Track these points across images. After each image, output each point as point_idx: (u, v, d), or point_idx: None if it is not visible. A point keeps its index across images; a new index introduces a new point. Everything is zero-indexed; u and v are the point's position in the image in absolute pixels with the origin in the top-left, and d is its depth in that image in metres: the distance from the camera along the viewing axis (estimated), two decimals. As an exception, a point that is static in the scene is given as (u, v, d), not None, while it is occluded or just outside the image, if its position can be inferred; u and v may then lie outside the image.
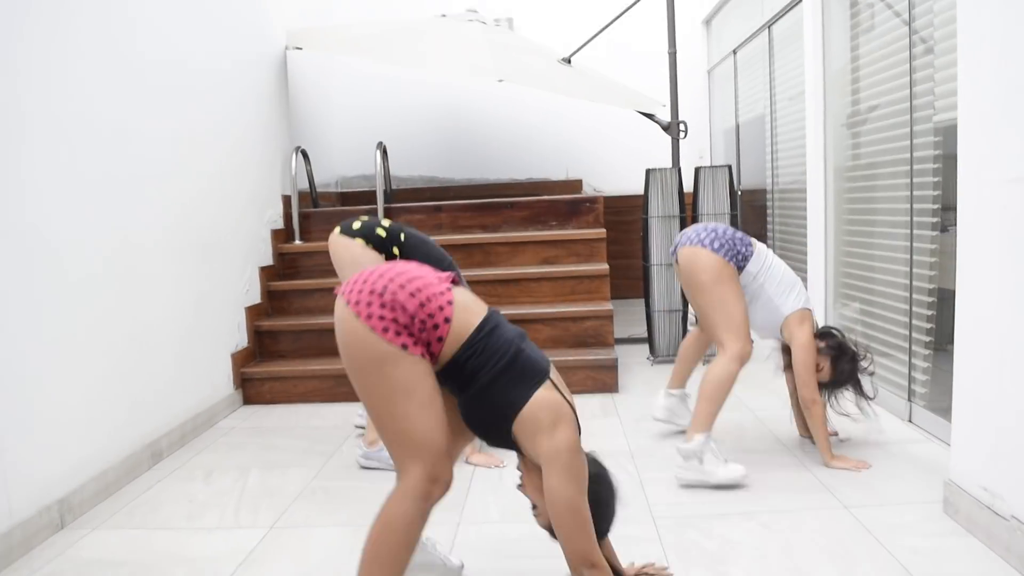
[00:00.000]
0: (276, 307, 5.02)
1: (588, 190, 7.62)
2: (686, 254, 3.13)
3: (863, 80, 4.13)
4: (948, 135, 3.23)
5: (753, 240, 3.22)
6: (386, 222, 3.25)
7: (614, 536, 2.05)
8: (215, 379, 4.27)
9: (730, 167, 4.98)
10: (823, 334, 3.17)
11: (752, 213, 6.41)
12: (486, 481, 3.11)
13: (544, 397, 1.79)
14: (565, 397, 1.83)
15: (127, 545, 2.66)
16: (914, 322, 3.52)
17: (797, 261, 5.01)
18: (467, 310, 1.83)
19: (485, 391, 1.80)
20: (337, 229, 3.20)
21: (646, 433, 3.63)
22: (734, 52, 6.65)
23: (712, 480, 2.92)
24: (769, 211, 5.98)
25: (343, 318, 1.79)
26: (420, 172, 7.72)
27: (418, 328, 1.76)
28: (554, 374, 1.86)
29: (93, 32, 3.23)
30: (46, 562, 2.56)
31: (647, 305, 5.05)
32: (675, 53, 5.37)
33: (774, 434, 3.52)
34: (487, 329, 1.82)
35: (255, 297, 4.89)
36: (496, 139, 7.65)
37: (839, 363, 3.11)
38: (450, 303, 1.79)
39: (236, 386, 4.51)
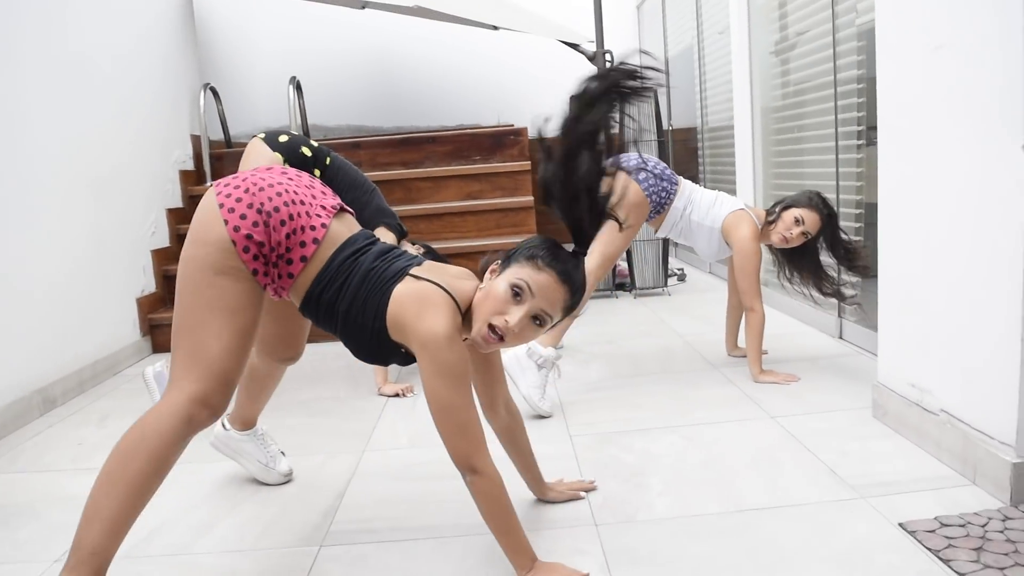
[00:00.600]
0: (187, 252, 4.73)
1: (532, 136, 7.38)
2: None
3: (790, 6, 3.98)
4: (870, 42, 3.10)
5: (679, 177, 3.13)
6: (314, 143, 3.02)
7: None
8: (118, 325, 3.98)
9: (655, 91, 4.80)
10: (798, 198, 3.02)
11: (684, 152, 6.28)
12: (398, 410, 2.92)
13: (403, 289, 1.58)
14: (438, 284, 1.60)
15: (3, 488, 2.41)
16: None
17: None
18: (332, 245, 1.62)
19: (349, 317, 1.61)
20: (261, 135, 2.96)
21: (568, 360, 3.46)
22: (661, -17, 6.46)
23: (530, 398, 2.70)
24: (700, 149, 5.85)
25: (206, 209, 1.57)
26: (347, 121, 7.38)
27: (275, 257, 1.57)
28: (425, 267, 1.65)
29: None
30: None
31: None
32: (598, -22, 5.15)
33: (702, 355, 3.40)
34: (338, 259, 1.61)
35: (163, 240, 4.59)
36: (427, 85, 7.31)
37: (825, 222, 2.95)
38: (316, 241, 1.59)
39: (144, 333, 4.22)
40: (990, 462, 1.92)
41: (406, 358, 1.65)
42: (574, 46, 5.27)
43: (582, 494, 2.05)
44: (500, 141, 5.21)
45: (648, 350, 3.54)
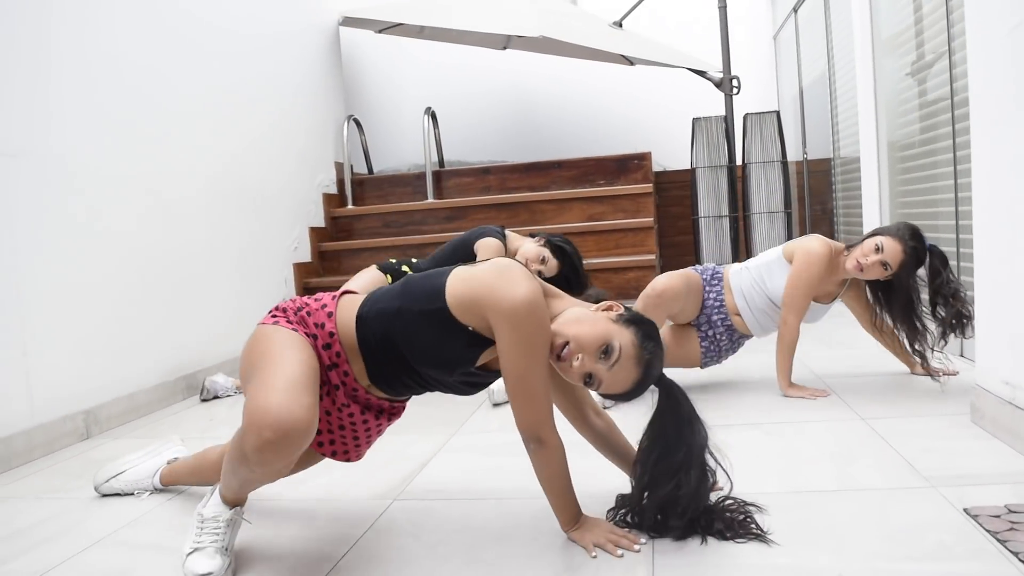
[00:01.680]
0: (327, 267, 5.10)
1: (656, 168, 7.45)
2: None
3: (926, 23, 3.86)
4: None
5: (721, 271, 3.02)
6: (414, 260, 3.35)
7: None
8: (259, 328, 4.34)
9: (778, 113, 4.79)
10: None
11: (820, 184, 6.12)
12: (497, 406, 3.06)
13: (467, 270, 1.60)
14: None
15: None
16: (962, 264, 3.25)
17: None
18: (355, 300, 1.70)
19: (403, 314, 1.60)
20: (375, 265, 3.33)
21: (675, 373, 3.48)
22: (795, 10, 6.40)
23: None
24: (833, 181, 5.70)
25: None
26: (481, 156, 7.70)
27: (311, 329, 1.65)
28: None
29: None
30: (64, 460, 2.64)
31: (696, 258, 4.89)
32: (725, 7, 5.21)
33: (802, 362, 3.33)
34: (365, 307, 1.66)
35: (304, 255, 4.97)
36: (558, 120, 7.53)
37: (923, 260, 2.67)
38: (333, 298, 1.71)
39: (282, 338, 4.57)
40: (1075, 456, 1.83)
41: (474, 346, 1.60)
42: (701, 73, 5.34)
43: None
44: (624, 166, 5.32)
45: (744, 357, 3.50)
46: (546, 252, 3.14)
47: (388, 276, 3.19)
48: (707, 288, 2.94)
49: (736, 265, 3.00)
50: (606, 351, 1.56)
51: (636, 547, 1.64)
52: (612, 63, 6.46)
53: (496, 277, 1.55)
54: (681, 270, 2.91)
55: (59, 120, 2.95)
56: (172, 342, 3.53)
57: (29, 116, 2.81)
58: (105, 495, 2.20)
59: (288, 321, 1.64)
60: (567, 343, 1.56)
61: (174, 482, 2.16)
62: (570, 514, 1.70)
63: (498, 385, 3.00)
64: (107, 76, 3.22)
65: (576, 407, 1.84)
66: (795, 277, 2.82)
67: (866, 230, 4.40)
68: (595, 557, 1.62)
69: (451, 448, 2.49)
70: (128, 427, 3.09)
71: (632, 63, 6.43)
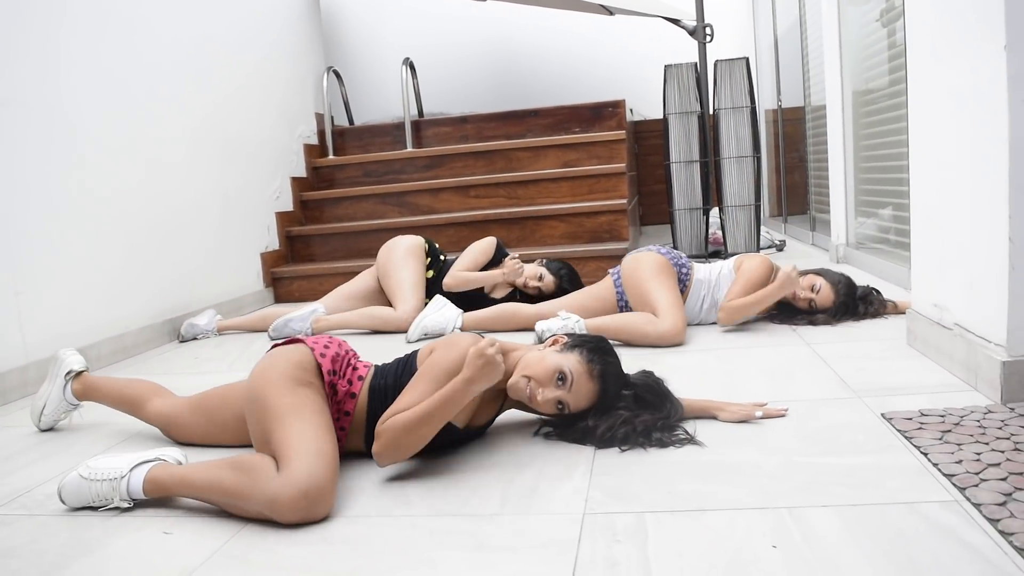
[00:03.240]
0: (309, 216, 5.22)
1: (637, 117, 7.53)
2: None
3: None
4: None
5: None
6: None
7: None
8: (244, 274, 4.48)
9: (747, 60, 4.88)
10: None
11: (794, 133, 6.22)
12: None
13: (421, 354, 1.86)
14: None
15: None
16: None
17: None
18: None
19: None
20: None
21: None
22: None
23: None
24: (806, 130, 5.79)
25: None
26: (460, 107, 7.75)
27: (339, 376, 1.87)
28: None
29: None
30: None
31: (669, 203, 5.02)
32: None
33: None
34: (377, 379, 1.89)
35: (287, 204, 5.09)
36: (535, 69, 7.55)
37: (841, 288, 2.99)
38: (360, 379, 1.90)
39: (267, 284, 4.72)
40: (987, 365, 1.99)
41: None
42: (675, 21, 5.41)
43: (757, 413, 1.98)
44: (599, 113, 5.42)
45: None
46: (543, 271, 3.52)
47: (427, 247, 3.69)
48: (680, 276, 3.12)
49: (702, 268, 3.17)
50: (561, 378, 1.79)
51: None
52: (591, 13, 6.51)
53: (444, 344, 1.80)
54: (658, 256, 3.07)
55: (51, 71, 3.04)
56: (158, 286, 3.66)
57: (20, 66, 2.91)
58: (44, 430, 2.32)
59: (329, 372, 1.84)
60: (530, 382, 1.79)
61: (91, 398, 2.26)
62: (455, 393, 1.70)
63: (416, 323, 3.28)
64: (95, 28, 3.31)
65: None
66: (742, 275, 3.00)
67: (832, 178, 4.56)
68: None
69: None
70: (117, 367, 3.23)
71: (612, 13, 6.48)
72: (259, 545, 1.48)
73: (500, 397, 1.93)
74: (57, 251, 3.06)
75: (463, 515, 1.54)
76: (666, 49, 6.66)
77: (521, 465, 1.77)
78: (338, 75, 5.92)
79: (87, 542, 1.55)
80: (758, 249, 4.99)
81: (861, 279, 3.76)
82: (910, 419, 1.86)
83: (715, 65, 4.90)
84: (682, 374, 2.38)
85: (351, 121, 6.18)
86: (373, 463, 1.74)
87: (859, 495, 1.49)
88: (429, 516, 1.55)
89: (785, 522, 1.40)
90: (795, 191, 6.29)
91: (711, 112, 5.01)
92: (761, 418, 1.94)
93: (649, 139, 6.90)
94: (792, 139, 6.31)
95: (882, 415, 1.90)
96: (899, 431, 1.79)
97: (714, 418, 1.97)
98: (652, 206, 7.04)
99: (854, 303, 2.99)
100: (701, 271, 3.14)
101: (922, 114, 2.41)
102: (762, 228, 5.15)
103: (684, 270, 3.09)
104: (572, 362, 1.81)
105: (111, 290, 3.35)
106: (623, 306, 3.12)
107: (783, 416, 1.95)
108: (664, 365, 2.50)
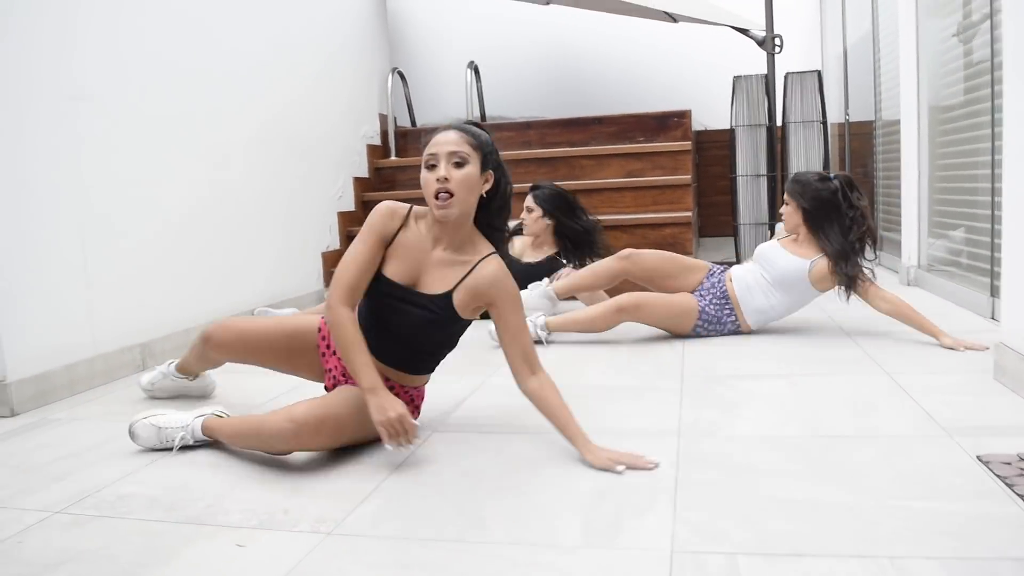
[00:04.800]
0: (369, 217, 5.20)
1: (697, 127, 7.41)
2: None
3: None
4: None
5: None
6: None
7: (640, 387, 2.04)
8: (304, 273, 4.48)
9: (819, 72, 4.76)
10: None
11: (862, 147, 6.06)
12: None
13: None
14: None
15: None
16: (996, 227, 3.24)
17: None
18: None
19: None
20: None
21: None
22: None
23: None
24: (875, 145, 5.63)
25: None
26: (523, 111, 7.68)
27: None
28: None
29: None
30: (122, 389, 2.81)
31: (733, 217, 4.92)
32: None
33: (838, 324, 3.38)
34: None
35: (348, 204, 5.09)
36: (600, 76, 7.45)
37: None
38: None
39: (327, 284, 4.72)
40: (1091, 410, 1.88)
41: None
42: (743, 31, 5.30)
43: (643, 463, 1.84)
44: (664, 123, 5.34)
45: (793, 322, 3.55)
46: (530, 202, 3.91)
47: None
48: (707, 277, 3.26)
49: (738, 273, 3.24)
50: (457, 161, 1.90)
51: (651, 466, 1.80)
52: (655, 20, 6.41)
53: None
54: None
55: (121, 66, 3.06)
56: (223, 283, 3.67)
57: (99, 62, 2.93)
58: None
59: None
60: (437, 195, 1.91)
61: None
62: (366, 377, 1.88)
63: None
64: (168, 25, 3.33)
65: (516, 363, 1.96)
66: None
67: (905, 197, 4.42)
68: (622, 472, 1.77)
69: (488, 387, 2.60)
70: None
71: (675, 20, 6.38)
72: (333, 565, 1.43)
73: (463, 268, 1.97)
74: (128, 247, 3.08)
75: (543, 545, 1.48)
76: (730, 59, 6.50)
77: (599, 492, 1.70)
78: (402, 76, 5.92)
79: (160, 550, 1.52)
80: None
81: (932, 303, 3.66)
82: (1009, 463, 1.76)
83: (786, 78, 4.78)
84: (758, 402, 2.30)
85: (413, 123, 6.17)
86: (454, 483, 1.70)
87: (965, 547, 1.40)
88: (510, 544, 1.49)
89: (888, 574, 1.31)
90: (861, 208, 6.10)
91: (779, 125, 4.89)
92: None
93: (710, 150, 6.76)
94: (859, 154, 6.14)
95: (978, 457, 1.80)
96: (998, 476, 1.69)
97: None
98: (710, 218, 6.91)
99: (811, 187, 3.09)
100: (738, 278, 3.19)
101: (1018, 131, 2.29)
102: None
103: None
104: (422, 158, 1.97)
105: (178, 285, 3.36)
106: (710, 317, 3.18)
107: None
108: (739, 391, 2.43)
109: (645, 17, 6.35)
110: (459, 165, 1.89)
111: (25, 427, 2.39)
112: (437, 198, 1.88)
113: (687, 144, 5.08)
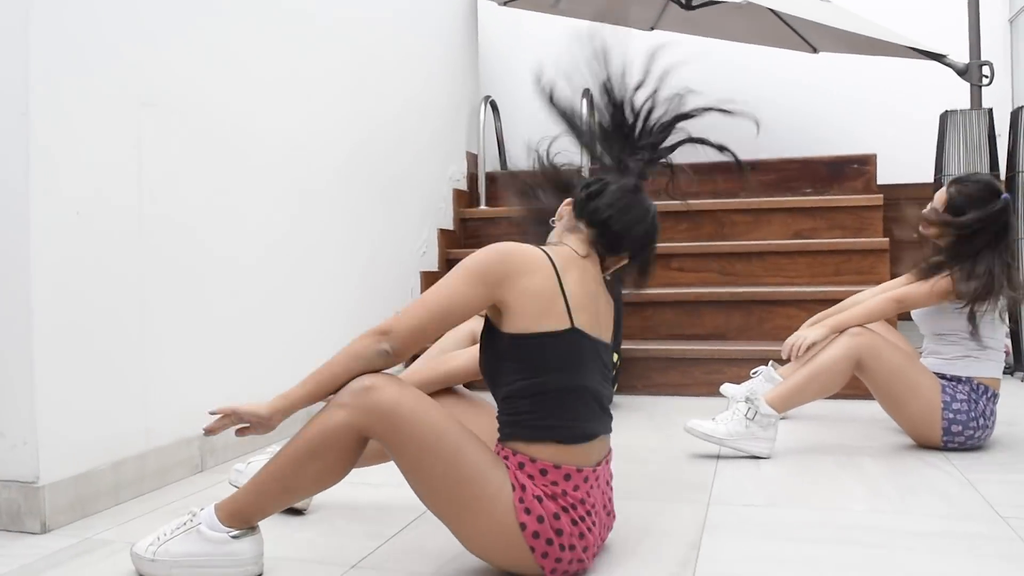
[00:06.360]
0: (455, 280, 4.89)
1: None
2: None
3: None
4: None
5: None
6: None
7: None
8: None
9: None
10: None
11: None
12: (735, 464, 2.75)
13: None
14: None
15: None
16: None
17: None
18: None
19: None
20: None
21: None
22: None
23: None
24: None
25: None
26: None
27: None
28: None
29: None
30: (178, 494, 2.45)
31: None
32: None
33: None
34: None
35: (432, 262, 4.80)
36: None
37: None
38: None
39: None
40: None
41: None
42: (938, 57, 4.98)
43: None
44: (839, 171, 5.01)
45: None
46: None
47: None
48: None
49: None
50: None
51: None
52: (790, 49, 6.10)
53: None
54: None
55: (201, 77, 2.82)
56: (295, 355, 3.34)
57: (166, 69, 2.67)
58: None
59: None
60: None
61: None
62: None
63: None
64: (256, 40, 3.15)
65: None
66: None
67: None
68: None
69: (717, 525, 2.19)
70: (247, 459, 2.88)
71: (816, 50, 6.09)
72: None
73: None
74: (190, 310, 2.78)
75: None
76: (906, 94, 6.19)
77: None
78: (495, 107, 5.67)
79: None
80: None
81: None
82: None
83: (1013, 115, 4.43)
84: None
85: (504, 164, 5.89)
86: None
87: None
88: None
89: None
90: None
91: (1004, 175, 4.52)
92: None
93: (891, 207, 6.35)
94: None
95: None
96: None
97: None
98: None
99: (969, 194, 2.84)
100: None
101: None
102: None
103: None
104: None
105: (242, 365, 3.05)
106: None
107: None
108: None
109: (775, 46, 6.07)
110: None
111: (63, 552, 2.03)
112: None
113: (876, 198, 4.73)
